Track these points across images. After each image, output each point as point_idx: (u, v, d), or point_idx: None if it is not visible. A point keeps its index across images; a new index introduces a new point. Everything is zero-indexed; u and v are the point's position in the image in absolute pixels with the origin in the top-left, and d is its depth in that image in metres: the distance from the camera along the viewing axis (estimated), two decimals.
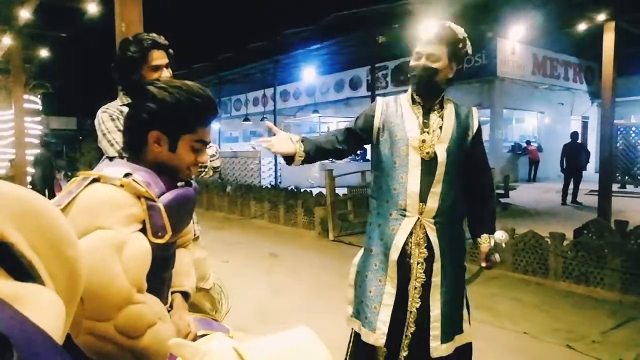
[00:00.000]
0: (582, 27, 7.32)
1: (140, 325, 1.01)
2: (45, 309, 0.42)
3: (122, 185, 1.07)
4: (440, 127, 1.89)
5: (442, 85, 1.89)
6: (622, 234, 4.21)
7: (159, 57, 1.87)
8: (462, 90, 14.25)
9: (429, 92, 1.91)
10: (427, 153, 1.84)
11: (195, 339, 1.21)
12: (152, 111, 1.16)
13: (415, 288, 1.86)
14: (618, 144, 13.35)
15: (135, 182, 1.09)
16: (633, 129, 13.87)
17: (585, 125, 17.25)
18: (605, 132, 7.23)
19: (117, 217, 1.03)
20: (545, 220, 7.90)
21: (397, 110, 1.94)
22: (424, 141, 1.85)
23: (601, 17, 6.76)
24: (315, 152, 1.92)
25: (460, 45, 1.86)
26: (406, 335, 1.87)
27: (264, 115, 18.07)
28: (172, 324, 1.14)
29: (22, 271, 0.44)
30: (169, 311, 1.28)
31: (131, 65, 1.85)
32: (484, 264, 2.00)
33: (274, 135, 1.93)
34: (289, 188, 9.06)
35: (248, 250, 6.18)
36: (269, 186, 10.95)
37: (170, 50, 1.94)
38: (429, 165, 1.84)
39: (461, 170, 1.91)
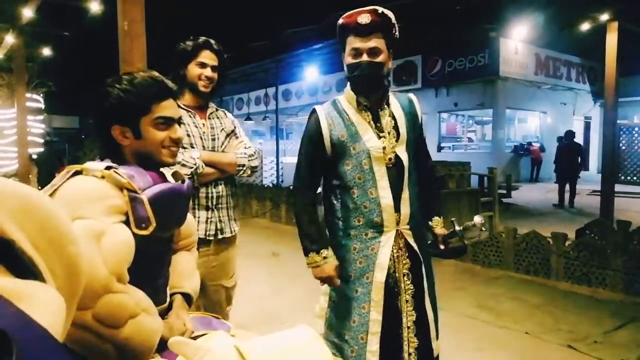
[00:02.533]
0: (585, 27, 7.29)
1: (119, 314, 1.00)
2: (45, 305, 0.41)
3: (103, 177, 1.08)
4: (395, 127, 1.74)
5: (387, 79, 1.74)
6: (625, 234, 4.20)
7: (207, 57, 2.04)
8: (464, 90, 14.24)
9: (376, 91, 1.73)
10: (390, 159, 1.70)
11: (195, 338, 1.20)
12: (104, 109, 1.20)
13: (407, 301, 1.73)
14: (621, 144, 13.31)
15: (117, 173, 1.10)
16: (636, 129, 13.83)
17: (587, 126, 17.22)
18: (608, 132, 7.20)
19: (97, 208, 1.04)
20: (547, 221, 7.88)
21: (344, 120, 1.73)
22: (384, 148, 1.69)
23: (604, 17, 6.74)
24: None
25: (394, 31, 1.68)
26: (410, 354, 1.71)
27: (266, 115, 18.08)
28: (159, 318, 1.13)
29: (23, 268, 0.44)
30: (167, 311, 1.28)
31: (181, 57, 2.03)
32: (442, 247, 1.87)
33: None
34: (291, 187, 9.06)
35: (249, 249, 6.18)
36: (271, 185, 10.95)
37: (224, 55, 2.11)
38: (394, 172, 1.71)
39: (417, 166, 1.81)
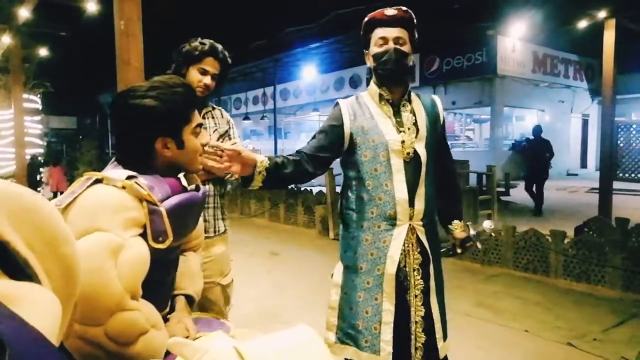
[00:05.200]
0: (582, 24, 7.30)
1: (131, 332, 0.99)
2: (40, 308, 0.41)
3: (124, 187, 1.06)
4: (414, 124, 1.76)
5: (410, 73, 1.81)
6: (623, 231, 4.21)
7: (210, 64, 2.02)
8: (462, 88, 14.24)
9: (400, 82, 1.78)
10: (408, 154, 1.72)
11: (194, 339, 1.19)
12: (147, 123, 1.16)
13: (416, 296, 1.75)
14: (619, 142, 13.35)
15: (138, 184, 1.08)
16: (634, 126, 13.85)
17: (585, 123, 17.25)
18: (605, 129, 7.21)
19: (116, 220, 1.02)
20: (545, 218, 7.89)
21: (364, 113, 1.77)
22: (403, 142, 1.72)
23: (602, 14, 6.75)
24: (278, 170, 1.63)
25: (415, 31, 1.77)
26: (417, 348, 1.74)
27: (264, 114, 18.07)
28: (166, 331, 1.12)
29: (18, 270, 0.43)
30: (170, 313, 1.27)
31: (184, 58, 2.00)
32: (459, 250, 1.90)
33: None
34: (289, 187, 9.06)
35: (248, 248, 6.18)
36: None
37: (227, 62, 2.07)
38: (411, 166, 1.73)
39: (436, 164, 1.82)
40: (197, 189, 1.28)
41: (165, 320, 1.22)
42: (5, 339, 0.31)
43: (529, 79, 14.41)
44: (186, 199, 1.18)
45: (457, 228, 1.91)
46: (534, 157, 8.41)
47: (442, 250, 1.94)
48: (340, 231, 1.89)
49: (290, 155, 1.74)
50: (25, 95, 8.14)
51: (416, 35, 1.78)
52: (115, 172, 1.12)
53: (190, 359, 0.83)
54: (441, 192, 1.89)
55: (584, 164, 17.25)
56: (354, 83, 16.59)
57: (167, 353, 1.03)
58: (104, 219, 1.01)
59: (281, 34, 12.61)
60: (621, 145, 13.63)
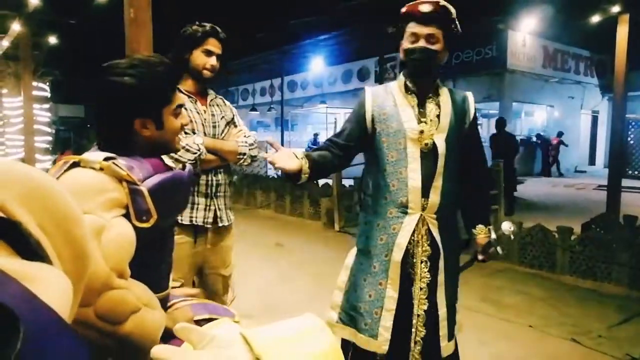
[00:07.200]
0: (595, 19, 7.19)
1: (121, 311, 0.99)
2: (52, 287, 0.41)
3: (101, 169, 1.04)
4: (438, 116, 1.77)
5: (438, 69, 1.82)
6: (631, 229, 4.18)
7: (214, 44, 2.06)
8: (472, 82, 14.12)
9: (426, 78, 1.80)
10: (426, 144, 1.72)
11: (200, 322, 1.20)
12: (127, 102, 1.14)
13: (421, 289, 1.75)
14: (629, 139, 13.22)
15: (116, 165, 1.06)
16: None
17: (595, 120, 17.08)
18: (616, 126, 7.13)
19: (96, 202, 1.00)
20: (552, 214, 7.84)
21: (388, 100, 1.80)
22: (422, 132, 1.72)
23: (615, 9, 6.64)
24: (318, 168, 1.74)
25: (453, 26, 1.74)
26: (416, 342, 1.73)
27: (271, 106, 18.06)
28: (161, 310, 1.12)
29: (30, 250, 0.43)
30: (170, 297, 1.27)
31: (187, 42, 2.03)
32: (480, 257, 1.90)
33: (276, 150, 1.73)
34: None
35: (254, 239, 6.20)
36: (276, 176, 10.95)
37: (226, 43, 2.12)
38: (428, 157, 1.73)
39: (459, 160, 1.81)
40: (183, 168, 1.27)
41: (166, 304, 1.23)
42: (19, 314, 0.32)
43: (539, 74, 14.26)
44: (169, 177, 1.16)
45: (481, 233, 1.88)
46: (495, 153, 7.63)
47: (464, 263, 1.97)
48: (360, 216, 1.94)
49: (323, 148, 1.84)
50: (34, 83, 8.16)
51: (456, 30, 1.75)
52: (92, 154, 1.10)
53: (197, 344, 0.84)
54: (468, 193, 1.89)
55: (592, 161, 17.09)
56: (362, 76, 16.48)
57: (173, 337, 1.04)
58: (84, 202, 0.99)
59: (289, 25, 12.56)
60: (631, 142, 13.50)
